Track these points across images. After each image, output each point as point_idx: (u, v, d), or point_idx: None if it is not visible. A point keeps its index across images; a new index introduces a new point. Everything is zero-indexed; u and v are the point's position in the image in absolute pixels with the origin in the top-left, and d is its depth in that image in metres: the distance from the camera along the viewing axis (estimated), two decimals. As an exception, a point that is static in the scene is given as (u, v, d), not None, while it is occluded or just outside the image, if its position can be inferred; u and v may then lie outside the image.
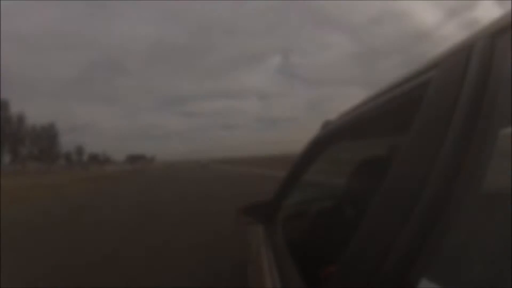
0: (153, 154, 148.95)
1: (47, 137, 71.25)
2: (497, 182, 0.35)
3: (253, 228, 1.59)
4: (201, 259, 3.30)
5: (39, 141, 69.30)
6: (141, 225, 5.45)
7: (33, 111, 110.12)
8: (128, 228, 5.29)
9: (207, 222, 5.27)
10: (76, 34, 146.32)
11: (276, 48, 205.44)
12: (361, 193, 0.86)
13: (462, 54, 0.37)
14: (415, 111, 0.41)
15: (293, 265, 0.89)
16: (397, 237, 0.34)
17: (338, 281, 0.46)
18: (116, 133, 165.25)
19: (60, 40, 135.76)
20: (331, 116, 0.91)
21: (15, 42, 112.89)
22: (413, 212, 0.33)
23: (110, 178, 22.49)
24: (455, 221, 0.32)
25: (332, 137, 0.85)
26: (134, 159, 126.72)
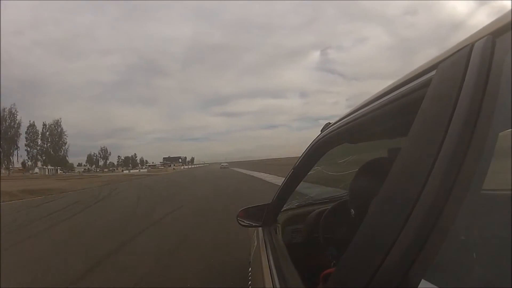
0: (192, 156, 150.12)
1: (51, 136, 63.61)
2: (497, 182, 0.35)
3: (253, 231, 1.58)
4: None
5: (42, 141, 62.55)
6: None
7: (74, 116, 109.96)
8: None
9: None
10: (112, 38, 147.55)
11: (314, 44, 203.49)
12: (361, 194, 0.86)
13: (462, 54, 0.37)
14: (415, 112, 0.41)
15: (293, 266, 0.89)
16: (397, 238, 0.33)
17: (338, 282, 0.45)
18: (157, 135, 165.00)
19: (96, 46, 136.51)
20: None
21: (53, 49, 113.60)
22: (413, 213, 0.33)
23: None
24: (455, 221, 0.31)
25: (332, 139, 0.85)
26: (169, 161, 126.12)
